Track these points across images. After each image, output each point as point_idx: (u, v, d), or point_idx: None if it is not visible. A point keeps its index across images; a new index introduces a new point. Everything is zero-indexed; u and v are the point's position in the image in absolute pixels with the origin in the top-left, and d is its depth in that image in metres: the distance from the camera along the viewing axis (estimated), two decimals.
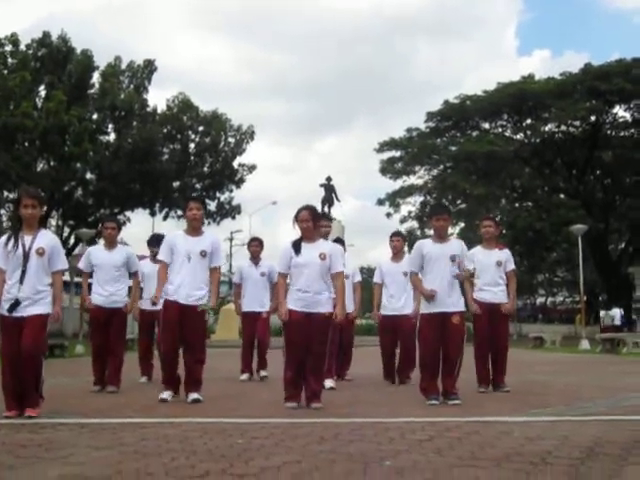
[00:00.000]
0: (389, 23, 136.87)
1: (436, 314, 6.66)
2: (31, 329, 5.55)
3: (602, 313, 34.42)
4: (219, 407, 6.50)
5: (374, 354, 10.31)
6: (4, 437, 4.71)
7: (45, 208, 6.16)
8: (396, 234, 9.56)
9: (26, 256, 5.62)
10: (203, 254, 6.77)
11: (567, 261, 46.87)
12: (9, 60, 29.39)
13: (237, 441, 4.47)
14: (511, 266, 8.09)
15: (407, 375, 8.99)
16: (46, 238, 5.82)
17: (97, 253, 8.16)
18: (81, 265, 8.16)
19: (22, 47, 30.50)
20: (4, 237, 5.82)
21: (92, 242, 24.72)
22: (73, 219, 33.50)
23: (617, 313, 30.81)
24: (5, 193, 30.44)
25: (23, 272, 5.61)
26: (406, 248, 9.46)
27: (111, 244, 8.11)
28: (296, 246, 6.42)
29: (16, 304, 5.55)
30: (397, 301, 8.95)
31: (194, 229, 6.94)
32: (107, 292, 7.88)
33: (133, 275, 8.19)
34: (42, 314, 5.65)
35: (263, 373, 9.62)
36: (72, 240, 33.02)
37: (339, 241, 9.60)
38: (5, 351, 5.56)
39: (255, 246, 9.85)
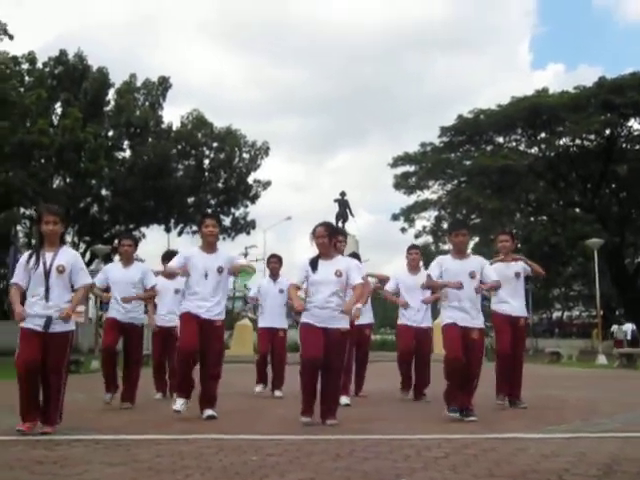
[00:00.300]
0: (401, 37, 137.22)
1: (460, 327, 6.64)
2: (57, 346, 5.63)
3: (614, 328, 34.78)
4: (234, 423, 6.49)
5: (389, 370, 10.28)
6: (20, 453, 4.72)
7: (65, 225, 6.21)
8: (413, 247, 9.59)
9: (47, 274, 5.68)
10: (220, 270, 6.79)
11: (583, 275, 46.53)
12: (26, 78, 29.74)
13: (252, 458, 4.46)
14: (528, 269, 8.11)
15: (421, 392, 8.96)
16: (67, 255, 5.86)
17: (113, 270, 8.21)
18: (96, 279, 8.19)
19: (39, 65, 30.88)
20: (26, 254, 5.91)
21: (107, 258, 24.87)
22: (89, 235, 33.73)
23: (629, 328, 31.11)
24: (22, 210, 30.71)
25: (47, 290, 5.66)
26: (421, 263, 9.45)
27: (127, 261, 8.15)
28: (313, 263, 6.44)
29: (49, 322, 5.59)
30: (415, 313, 8.96)
31: (210, 245, 6.96)
32: (124, 309, 7.91)
33: (150, 290, 8.20)
34: (68, 331, 5.75)
35: (278, 394, 9.49)
36: (88, 256, 33.23)
37: (355, 256, 9.63)
38: (21, 361, 5.56)
39: (274, 262, 9.86)
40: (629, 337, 30.24)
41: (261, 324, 9.78)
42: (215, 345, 6.79)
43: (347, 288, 6.47)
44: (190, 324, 6.66)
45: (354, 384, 9.53)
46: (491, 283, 6.83)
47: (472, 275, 6.71)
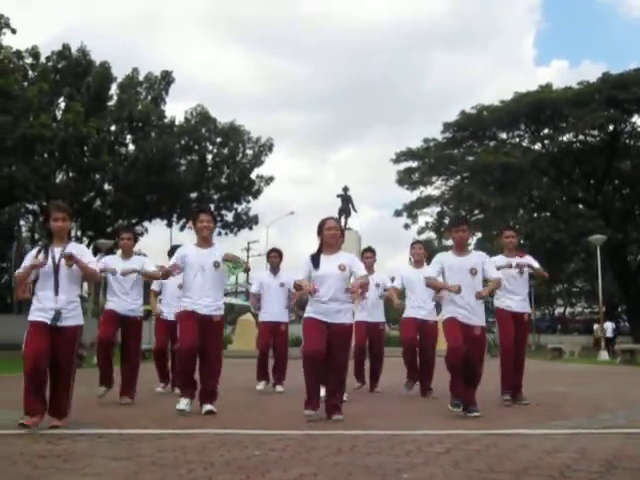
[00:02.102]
0: (405, 33, 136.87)
1: (462, 323, 6.65)
2: (66, 340, 5.67)
3: (595, 326, 36.24)
4: (236, 418, 6.50)
5: (392, 365, 10.28)
6: (23, 447, 4.74)
7: (71, 221, 6.25)
8: (417, 242, 9.67)
9: (56, 268, 5.72)
10: (216, 265, 6.80)
11: (586, 271, 46.53)
12: (29, 72, 29.72)
13: (254, 453, 4.47)
14: (537, 265, 8.10)
15: (428, 387, 8.97)
16: (74, 249, 5.89)
17: (113, 261, 8.19)
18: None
19: (42, 59, 30.86)
20: (35, 250, 5.96)
21: (111, 252, 24.88)
22: (92, 230, 33.75)
23: (609, 326, 32.15)
24: (25, 204, 30.78)
25: (56, 284, 5.70)
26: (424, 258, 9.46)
27: (127, 254, 8.14)
28: (315, 259, 6.43)
29: (57, 315, 5.64)
30: (421, 309, 8.99)
31: (205, 240, 6.96)
32: (124, 302, 7.89)
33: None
34: (77, 325, 5.79)
35: (279, 389, 9.51)
36: (91, 250, 33.21)
37: (370, 250, 9.69)
38: (30, 352, 5.56)
39: (274, 257, 9.88)
40: (610, 334, 31.18)
41: (262, 318, 9.79)
42: (214, 341, 6.80)
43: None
44: (189, 322, 6.68)
45: (369, 379, 9.60)
46: (491, 287, 6.85)
47: (473, 271, 6.72)
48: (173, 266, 6.86)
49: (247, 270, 7.53)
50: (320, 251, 6.49)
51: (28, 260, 5.82)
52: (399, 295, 9.28)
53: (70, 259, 5.70)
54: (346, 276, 6.35)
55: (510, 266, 7.71)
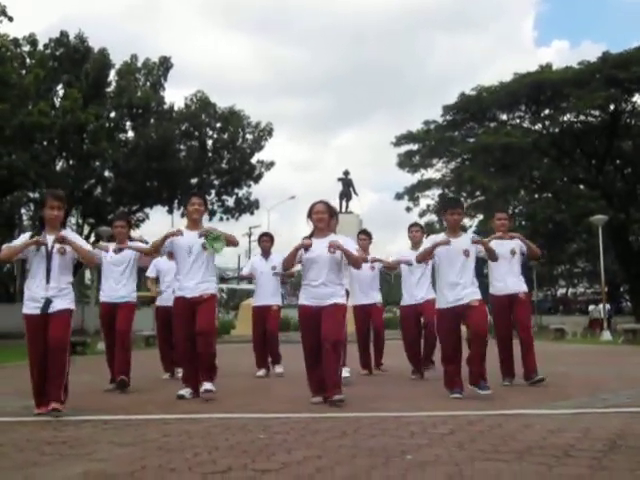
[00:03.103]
0: (405, 16, 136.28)
1: (453, 307, 6.65)
2: (57, 324, 5.66)
3: (591, 307, 37.55)
4: (240, 402, 6.52)
5: (393, 348, 10.31)
6: (29, 434, 4.76)
7: (66, 210, 6.25)
8: (415, 224, 9.65)
9: (49, 256, 5.73)
10: (204, 247, 6.81)
11: (587, 252, 46.46)
12: (27, 60, 29.60)
13: (259, 436, 4.49)
14: (524, 248, 8.05)
15: (430, 360, 9.01)
16: (68, 236, 5.88)
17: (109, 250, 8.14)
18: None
19: (40, 47, 30.72)
20: (28, 234, 5.95)
21: (112, 240, 24.91)
22: (93, 217, 33.75)
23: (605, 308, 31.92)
24: (26, 193, 30.72)
25: (48, 272, 5.71)
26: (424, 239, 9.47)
27: (122, 242, 8.09)
28: None
29: (47, 304, 5.66)
30: (419, 291, 8.99)
31: (194, 223, 7.00)
32: (113, 288, 7.85)
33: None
34: (67, 309, 5.77)
35: (279, 369, 9.59)
36: (92, 238, 33.25)
37: (365, 233, 9.70)
38: (32, 350, 5.64)
39: (265, 241, 9.95)
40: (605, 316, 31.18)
41: (255, 302, 9.90)
42: (205, 316, 6.72)
43: (342, 265, 6.46)
44: (180, 314, 6.79)
45: (374, 353, 9.66)
46: (476, 239, 6.87)
47: (466, 253, 6.72)
48: (163, 238, 6.84)
49: (233, 243, 7.24)
50: (312, 234, 6.50)
51: (22, 239, 5.83)
52: (396, 278, 9.33)
53: (63, 241, 5.71)
54: (337, 259, 6.34)
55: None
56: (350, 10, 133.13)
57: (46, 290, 5.68)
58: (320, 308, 6.25)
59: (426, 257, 7.13)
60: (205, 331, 6.68)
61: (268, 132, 35.56)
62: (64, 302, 5.75)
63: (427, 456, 3.80)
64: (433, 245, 6.80)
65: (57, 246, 5.76)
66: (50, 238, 5.78)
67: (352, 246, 6.52)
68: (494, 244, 7.69)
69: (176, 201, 34.71)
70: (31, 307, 5.70)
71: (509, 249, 7.91)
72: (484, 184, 36.72)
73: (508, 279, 7.88)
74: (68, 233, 6.02)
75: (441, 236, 6.97)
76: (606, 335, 23.26)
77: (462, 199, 33.90)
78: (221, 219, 35.93)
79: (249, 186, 36.40)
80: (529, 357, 7.78)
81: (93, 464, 3.75)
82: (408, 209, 42.05)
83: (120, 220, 8.33)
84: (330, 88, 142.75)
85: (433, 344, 8.96)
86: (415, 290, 9.01)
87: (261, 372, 9.61)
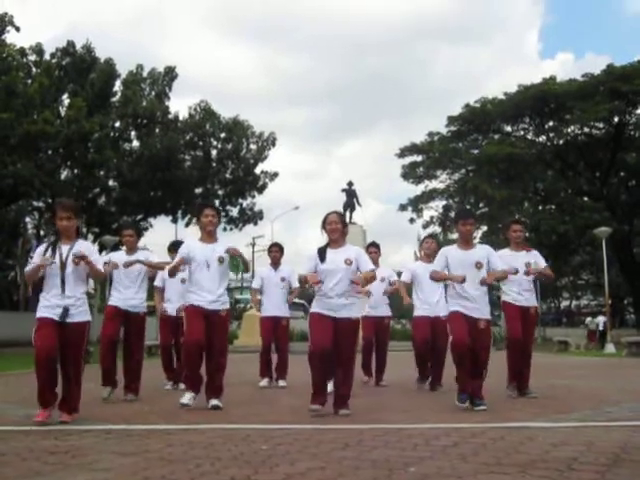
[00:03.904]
0: (410, 28, 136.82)
1: (465, 316, 6.65)
2: (74, 337, 5.73)
3: (588, 320, 37.87)
4: (243, 413, 6.51)
5: (398, 360, 10.30)
6: (31, 443, 4.76)
7: (81, 217, 6.30)
8: (429, 236, 9.72)
9: (63, 266, 5.76)
10: (221, 260, 6.81)
11: (591, 264, 46.46)
12: (33, 70, 29.70)
13: (261, 447, 4.48)
14: (542, 264, 8.06)
15: (438, 382, 8.95)
16: (82, 247, 5.92)
17: (118, 258, 8.17)
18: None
19: (46, 57, 30.84)
20: (43, 246, 6.01)
21: (116, 249, 24.93)
22: (97, 226, 33.79)
23: (601, 320, 32.49)
24: (30, 202, 30.80)
25: (62, 281, 5.75)
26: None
27: (131, 250, 8.13)
28: (321, 253, 6.42)
29: (65, 312, 5.69)
30: (431, 302, 8.93)
31: (209, 235, 6.99)
32: (126, 295, 7.84)
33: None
34: (84, 321, 5.83)
35: (282, 383, 9.52)
36: (96, 247, 33.25)
37: (374, 245, 9.71)
38: (41, 346, 5.59)
39: (275, 252, 9.90)
40: (601, 328, 31.49)
41: (264, 313, 9.80)
42: (220, 336, 6.82)
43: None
44: (195, 317, 6.71)
45: (374, 373, 9.63)
46: (497, 274, 6.78)
47: (478, 265, 6.69)
48: (179, 260, 6.86)
49: (247, 271, 7.49)
50: (327, 245, 6.50)
51: (37, 257, 5.85)
52: (408, 290, 9.28)
53: (81, 259, 5.75)
54: (353, 270, 6.33)
55: (516, 272, 7.55)
56: (354, 20, 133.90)
57: (62, 299, 5.72)
58: (335, 319, 6.24)
59: (440, 280, 7.17)
60: (220, 352, 6.77)
61: (272, 142, 35.60)
62: (82, 314, 5.81)
63: (430, 468, 3.79)
64: (449, 277, 6.77)
65: (71, 256, 5.79)
66: (65, 248, 5.83)
67: (365, 260, 6.51)
68: (509, 257, 7.68)
69: (180, 211, 34.76)
70: (49, 312, 5.70)
71: (523, 262, 7.84)
72: (488, 193, 36.73)
73: (522, 292, 7.88)
74: (82, 244, 6.03)
75: (454, 248, 6.96)
76: (609, 348, 23.19)
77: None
78: (225, 229, 35.93)
79: (253, 196, 36.43)
80: (526, 371, 7.82)
81: (96, 474, 3.75)
82: (412, 220, 42.14)
83: (129, 229, 8.35)
84: (334, 98, 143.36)
85: (442, 367, 8.94)
86: (430, 299, 8.92)
87: (264, 382, 9.58)
